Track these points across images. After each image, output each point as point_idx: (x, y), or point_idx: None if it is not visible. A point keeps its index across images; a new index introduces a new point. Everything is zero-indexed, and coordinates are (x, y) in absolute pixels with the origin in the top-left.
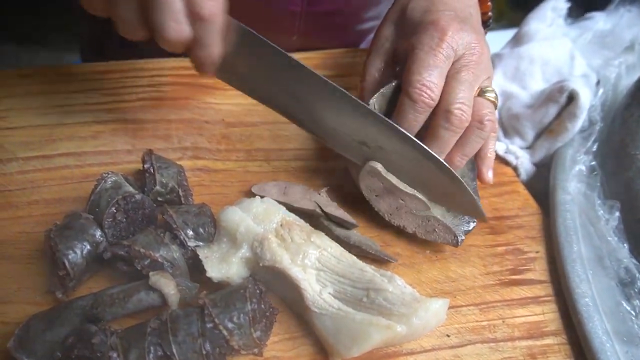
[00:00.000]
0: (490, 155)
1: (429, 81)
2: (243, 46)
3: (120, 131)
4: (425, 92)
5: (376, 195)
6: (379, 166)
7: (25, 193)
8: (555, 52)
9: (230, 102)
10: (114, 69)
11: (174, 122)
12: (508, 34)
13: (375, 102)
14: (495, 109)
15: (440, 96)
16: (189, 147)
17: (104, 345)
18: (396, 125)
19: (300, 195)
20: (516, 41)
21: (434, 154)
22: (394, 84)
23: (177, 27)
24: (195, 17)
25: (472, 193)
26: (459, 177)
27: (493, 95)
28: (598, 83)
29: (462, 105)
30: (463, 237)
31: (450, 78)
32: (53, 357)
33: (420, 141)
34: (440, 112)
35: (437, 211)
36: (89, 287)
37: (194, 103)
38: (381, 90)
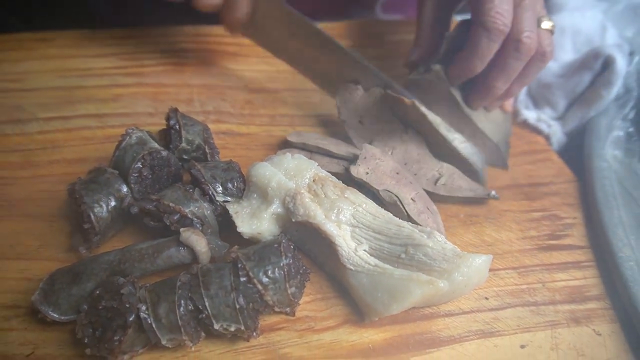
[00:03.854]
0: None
1: (502, 8)
2: (267, 9)
3: (141, 95)
4: (499, 19)
5: None
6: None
7: (46, 152)
8: (586, 22)
9: (253, 69)
10: (134, 35)
11: (195, 87)
12: None
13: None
14: (552, 35)
15: None
16: (211, 111)
17: (133, 297)
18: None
19: (327, 160)
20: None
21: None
22: (455, 29)
23: None
24: None
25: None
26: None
27: (550, 24)
28: (632, 54)
29: (531, 33)
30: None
31: (516, 6)
32: (78, 310)
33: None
34: (510, 42)
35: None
36: (113, 245)
37: (216, 69)
38: (446, 34)
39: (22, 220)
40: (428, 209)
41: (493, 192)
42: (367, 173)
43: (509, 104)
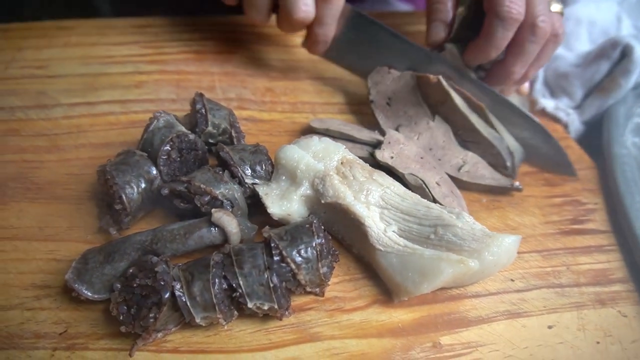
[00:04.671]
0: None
1: None
2: (353, 28)
3: (164, 82)
4: (514, 8)
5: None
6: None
7: (71, 137)
8: (602, 13)
9: (272, 58)
10: (153, 24)
11: (217, 75)
12: None
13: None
14: (562, 17)
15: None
16: (233, 98)
17: (167, 275)
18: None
19: (350, 145)
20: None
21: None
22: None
23: (306, 8)
24: None
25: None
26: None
27: (559, 6)
28: None
29: (545, 17)
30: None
31: None
32: (111, 289)
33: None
34: (526, 27)
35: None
36: (141, 227)
37: (236, 58)
38: (457, 12)
39: (50, 203)
40: (452, 192)
41: (517, 183)
42: (392, 157)
43: (524, 87)
